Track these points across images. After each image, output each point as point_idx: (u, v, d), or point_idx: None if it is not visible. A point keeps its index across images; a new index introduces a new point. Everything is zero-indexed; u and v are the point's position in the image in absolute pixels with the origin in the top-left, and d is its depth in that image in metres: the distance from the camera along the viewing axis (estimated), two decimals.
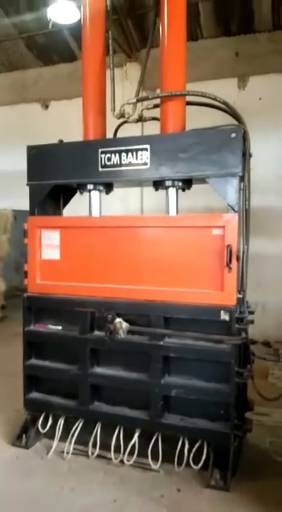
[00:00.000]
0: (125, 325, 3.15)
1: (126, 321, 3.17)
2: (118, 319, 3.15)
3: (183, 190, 3.37)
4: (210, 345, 3.02)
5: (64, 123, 7.08)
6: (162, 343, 3.12)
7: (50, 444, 3.45)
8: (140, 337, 3.20)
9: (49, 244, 3.50)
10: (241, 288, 3.17)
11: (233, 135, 2.98)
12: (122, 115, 3.52)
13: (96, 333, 3.33)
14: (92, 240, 3.40)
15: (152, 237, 3.25)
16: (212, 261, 3.04)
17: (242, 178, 3.10)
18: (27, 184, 3.55)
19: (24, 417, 3.61)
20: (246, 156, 3.13)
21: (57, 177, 3.45)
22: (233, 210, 3.00)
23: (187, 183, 3.31)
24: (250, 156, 3.25)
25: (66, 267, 3.47)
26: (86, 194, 3.55)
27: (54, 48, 8.09)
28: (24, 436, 3.52)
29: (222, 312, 2.94)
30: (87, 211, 3.57)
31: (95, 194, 3.51)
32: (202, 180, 3.17)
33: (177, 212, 3.36)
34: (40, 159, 3.51)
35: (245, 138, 3.08)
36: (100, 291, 3.34)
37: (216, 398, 3.04)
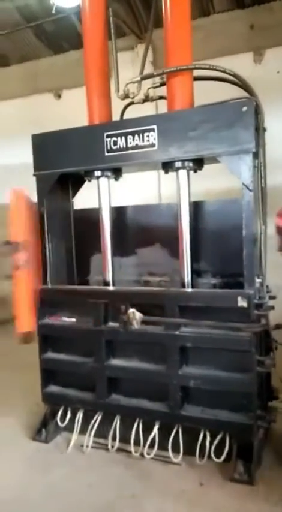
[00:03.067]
0: (138, 315, 3.03)
1: (140, 311, 3.05)
2: (131, 310, 3.04)
3: (195, 171, 3.19)
4: (229, 333, 2.87)
5: (77, 111, 6.93)
6: (178, 333, 2.99)
7: (69, 438, 3.40)
8: (155, 327, 3.08)
9: None
10: (260, 272, 2.99)
11: (244, 108, 2.77)
12: (126, 95, 3.34)
13: (111, 324, 3.23)
14: None
15: None
16: None
17: (256, 155, 2.89)
18: (34, 175, 3.46)
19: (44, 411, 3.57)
20: (259, 130, 2.91)
21: (63, 166, 3.33)
22: (248, 189, 2.81)
23: (198, 164, 3.12)
24: (264, 130, 3.04)
25: None
26: (95, 182, 3.42)
27: (64, 35, 7.92)
28: (43, 430, 3.49)
29: (239, 298, 2.78)
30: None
31: (103, 181, 3.39)
32: (214, 160, 2.99)
33: (189, 195, 3.19)
34: (45, 148, 3.42)
35: (257, 112, 2.87)
36: None
37: (237, 389, 2.89)
